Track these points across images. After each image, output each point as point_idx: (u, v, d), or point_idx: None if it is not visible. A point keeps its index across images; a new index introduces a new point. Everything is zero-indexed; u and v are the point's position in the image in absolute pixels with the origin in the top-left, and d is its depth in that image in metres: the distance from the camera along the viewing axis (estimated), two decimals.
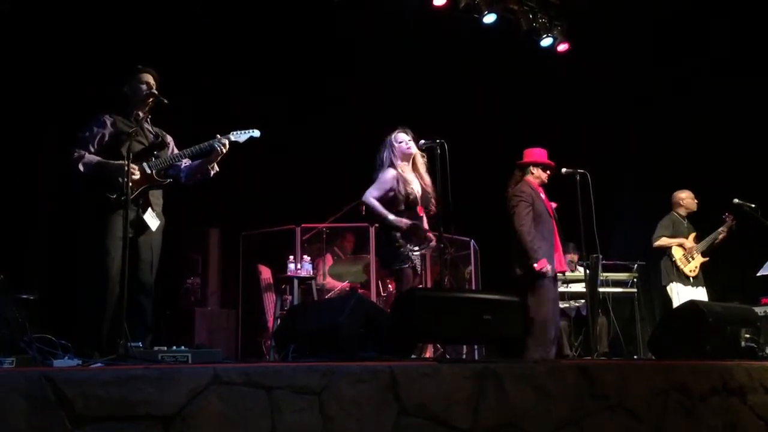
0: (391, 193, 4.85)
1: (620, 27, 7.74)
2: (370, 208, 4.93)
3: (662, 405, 3.34)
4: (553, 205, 5.64)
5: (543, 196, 5.55)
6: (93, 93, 5.55)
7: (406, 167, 4.95)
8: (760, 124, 7.30)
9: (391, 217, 4.78)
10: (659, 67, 8.03)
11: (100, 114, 4.19)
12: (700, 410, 3.45)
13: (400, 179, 4.85)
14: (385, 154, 4.95)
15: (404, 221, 4.77)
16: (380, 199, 4.86)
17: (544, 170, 5.61)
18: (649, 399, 3.31)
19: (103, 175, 4.02)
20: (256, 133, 4.40)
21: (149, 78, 4.24)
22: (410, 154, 4.95)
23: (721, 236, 6.79)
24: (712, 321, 4.25)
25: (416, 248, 4.81)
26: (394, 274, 5.01)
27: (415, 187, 4.91)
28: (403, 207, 4.83)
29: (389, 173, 4.88)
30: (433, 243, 4.94)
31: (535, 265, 5.19)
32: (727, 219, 6.80)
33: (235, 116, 6.51)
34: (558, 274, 5.58)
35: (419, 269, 4.94)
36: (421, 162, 4.99)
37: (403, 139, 4.94)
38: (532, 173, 5.59)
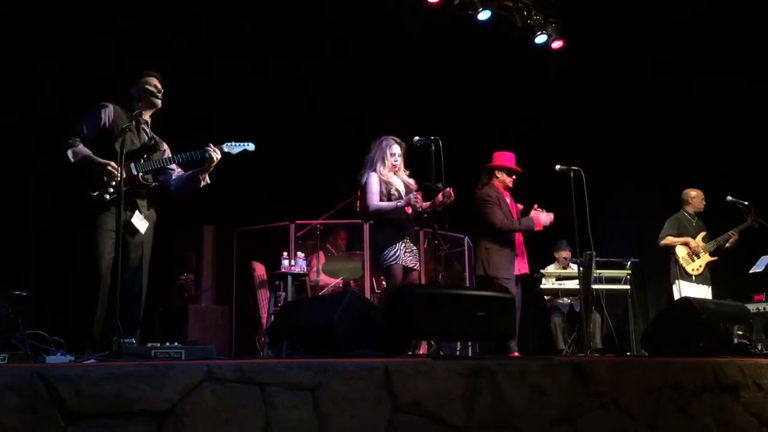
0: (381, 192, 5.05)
1: (616, 24, 7.74)
2: (381, 211, 5.02)
3: (656, 402, 3.35)
4: (519, 207, 5.71)
5: (508, 200, 5.67)
6: (88, 88, 5.55)
7: (388, 171, 5.11)
8: (757, 123, 7.32)
9: (400, 203, 4.95)
10: (656, 66, 8.03)
11: (103, 102, 4.18)
12: (694, 407, 3.46)
13: (382, 181, 5.05)
14: (374, 156, 5.10)
15: (404, 199, 4.95)
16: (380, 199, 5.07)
17: (509, 175, 5.69)
18: (643, 396, 3.31)
19: (87, 171, 4.00)
20: (251, 146, 4.38)
21: (155, 81, 4.25)
22: (394, 170, 5.12)
23: (732, 238, 6.73)
24: (705, 318, 4.26)
25: (400, 244, 4.91)
26: (384, 271, 5.08)
27: (399, 186, 5.09)
28: None
29: (372, 177, 5.05)
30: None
31: (538, 226, 5.48)
32: (749, 219, 6.68)
33: (233, 117, 6.56)
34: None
35: (410, 265, 4.99)
36: (402, 172, 5.18)
37: (395, 153, 5.09)
38: (497, 177, 5.68)
